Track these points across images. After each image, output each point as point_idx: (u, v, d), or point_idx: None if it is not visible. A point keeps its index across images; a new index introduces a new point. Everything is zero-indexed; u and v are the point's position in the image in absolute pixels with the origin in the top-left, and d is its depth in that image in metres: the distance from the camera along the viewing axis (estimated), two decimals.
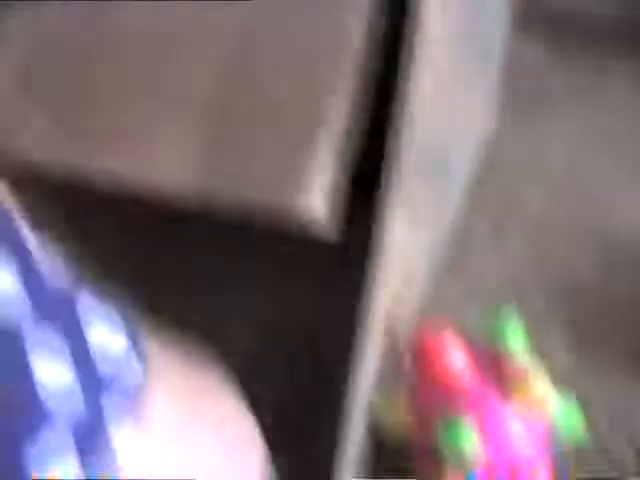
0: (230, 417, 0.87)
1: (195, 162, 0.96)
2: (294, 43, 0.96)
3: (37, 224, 0.61)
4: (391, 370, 1.15)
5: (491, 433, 1.04)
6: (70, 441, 0.56)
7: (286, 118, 0.95)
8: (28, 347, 0.54)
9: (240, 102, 0.97)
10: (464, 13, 1.29)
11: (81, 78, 1.07)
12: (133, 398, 0.60)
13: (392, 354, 1.15)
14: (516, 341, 1.12)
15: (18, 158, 1.05)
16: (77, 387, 0.57)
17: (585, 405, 1.11)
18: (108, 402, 0.58)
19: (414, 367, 1.13)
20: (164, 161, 0.97)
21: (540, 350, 1.15)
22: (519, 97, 1.70)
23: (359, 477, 1.07)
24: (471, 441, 1.01)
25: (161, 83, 1.00)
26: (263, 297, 1.23)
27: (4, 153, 1.06)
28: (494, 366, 1.07)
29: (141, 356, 0.63)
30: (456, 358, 1.08)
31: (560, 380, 1.11)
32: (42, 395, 0.54)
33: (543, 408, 1.08)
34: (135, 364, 0.62)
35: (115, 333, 0.62)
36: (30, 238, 0.62)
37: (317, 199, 0.93)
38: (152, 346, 0.67)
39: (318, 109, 0.94)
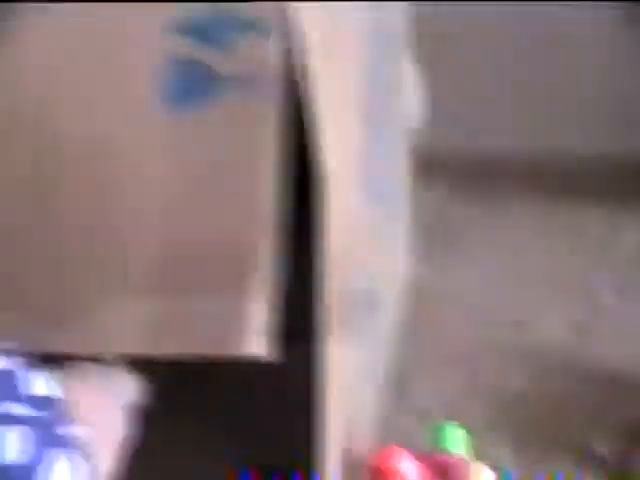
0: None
1: (141, 326, 0.95)
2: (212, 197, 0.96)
3: None
4: None
5: None
6: None
7: (217, 270, 0.96)
8: None
9: (174, 258, 0.96)
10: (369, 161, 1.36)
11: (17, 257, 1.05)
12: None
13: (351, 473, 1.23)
14: (457, 446, 1.23)
15: None
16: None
17: None
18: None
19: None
20: (111, 332, 0.98)
21: (479, 449, 1.25)
22: (429, 237, 1.86)
23: None
24: None
25: (97, 255, 0.98)
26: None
27: None
28: (442, 470, 1.16)
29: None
30: (405, 468, 1.16)
31: (497, 470, 1.22)
32: None
33: None
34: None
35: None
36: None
37: (257, 343, 0.93)
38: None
39: (244, 259, 0.94)
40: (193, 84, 0.96)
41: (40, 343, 0.98)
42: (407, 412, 1.50)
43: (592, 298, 1.77)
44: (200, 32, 0.96)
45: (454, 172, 2.14)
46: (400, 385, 1.55)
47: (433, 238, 1.90)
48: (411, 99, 1.87)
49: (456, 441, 1.27)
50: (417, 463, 1.20)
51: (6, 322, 0.98)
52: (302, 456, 1.11)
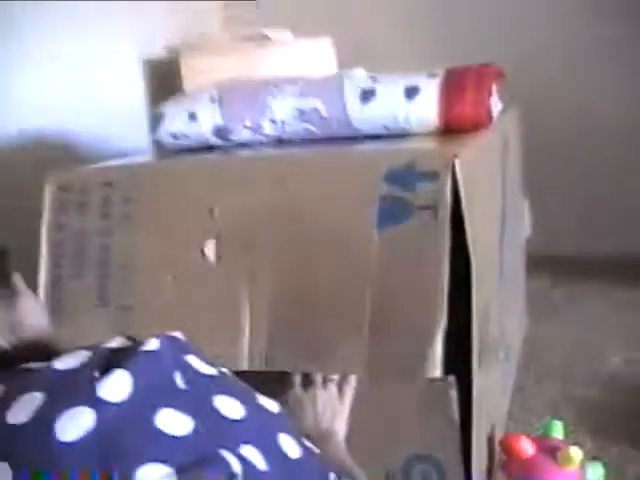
0: None
1: (365, 360, 1.21)
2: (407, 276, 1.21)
3: None
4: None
5: None
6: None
7: (411, 325, 1.20)
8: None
9: (384, 314, 1.22)
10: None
11: None
12: None
13: (492, 450, 1.46)
14: (562, 435, 1.50)
15: None
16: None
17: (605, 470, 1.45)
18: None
19: (504, 456, 1.45)
20: (346, 364, 1.25)
21: (575, 439, 1.53)
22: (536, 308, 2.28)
23: None
24: None
25: (339, 310, 1.25)
26: None
27: None
28: (551, 450, 1.42)
29: None
30: (528, 448, 1.42)
31: (588, 455, 1.47)
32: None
33: (581, 469, 1.42)
34: None
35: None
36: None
37: (437, 371, 1.18)
38: None
39: (430, 310, 1.18)
40: (395, 212, 1.23)
41: (302, 368, 1.27)
42: (524, 412, 1.82)
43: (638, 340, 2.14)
44: (398, 180, 1.24)
45: (553, 267, 2.64)
46: (519, 397, 1.87)
47: (539, 309, 2.36)
48: (524, 219, 2.25)
49: (558, 431, 1.50)
50: (533, 443, 1.42)
51: (284, 354, 1.27)
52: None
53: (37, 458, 0.60)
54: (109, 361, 0.66)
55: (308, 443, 0.78)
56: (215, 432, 0.66)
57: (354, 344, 1.23)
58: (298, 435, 0.76)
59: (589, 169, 2.78)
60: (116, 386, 0.63)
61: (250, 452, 0.66)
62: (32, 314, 0.82)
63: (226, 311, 1.30)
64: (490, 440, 1.46)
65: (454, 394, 1.22)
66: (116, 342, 0.70)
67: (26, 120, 1.95)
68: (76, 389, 0.63)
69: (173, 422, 0.64)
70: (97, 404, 0.62)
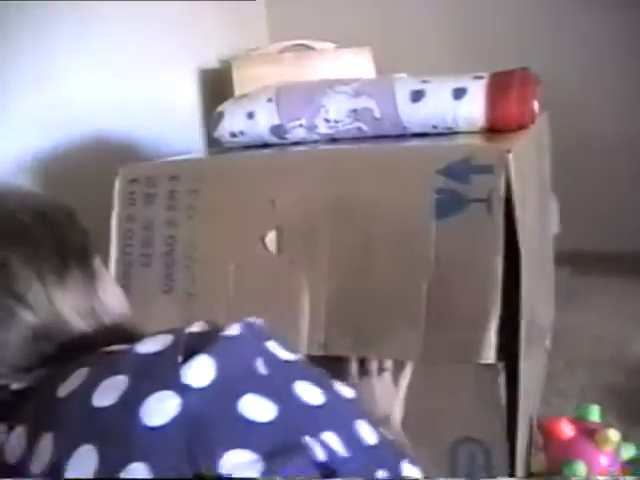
0: None
1: (421, 346, 1.15)
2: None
3: None
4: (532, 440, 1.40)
5: (594, 465, 1.35)
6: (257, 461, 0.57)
7: (468, 313, 1.14)
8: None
9: (442, 304, 1.16)
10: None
11: None
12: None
13: (531, 432, 1.40)
14: (598, 418, 1.46)
15: None
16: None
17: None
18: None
19: (544, 438, 1.41)
20: (402, 349, 1.18)
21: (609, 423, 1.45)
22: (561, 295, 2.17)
23: None
24: (583, 472, 1.32)
25: (394, 299, 1.19)
26: None
27: None
28: (589, 432, 1.39)
29: None
30: (568, 430, 1.39)
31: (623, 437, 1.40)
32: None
33: (616, 450, 1.39)
34: None
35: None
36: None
37: (491, 355, 1.12)
38: None
39: (486, 298, 1.13)
40: (451, 205, 1.16)
41: (359, 353, 1.20)
42: (555, 395, 1.76)
43: None
44: (454, 174, 1.17)
45: (576, 259, 2.57)
46: (551, 381, 1.80)
47: (565, 297, 2.27)
48: (553, 215, 2.20)
49: (595, 415, 1.45)
50: (572, 426, 1.38)
51: (341, 341, 1.21)
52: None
53: (122, 441, 0.56)
54: (192, 346, 0.61)
55: (382, 430, 0.72)
56: (298, 418, 0.62)
57: (410, 331, 1.16)
58: (373, 421, 0.70)
59: (611, 173, 2.74)
60: (200, 371, 0.59)
61: (331, 439, 0.62)
62: (114, 298, 0.75)
63: (286, 299, 1.24)
64: (530, 423, 1.40)
65: (503, 380, 1.17)
66: (197, 327, 0.65)
67: (91, 122, 1.95)
68: (160, 373, 0.59)
69: (257, 408, 0.59)
70: (182, 389, 0.57)
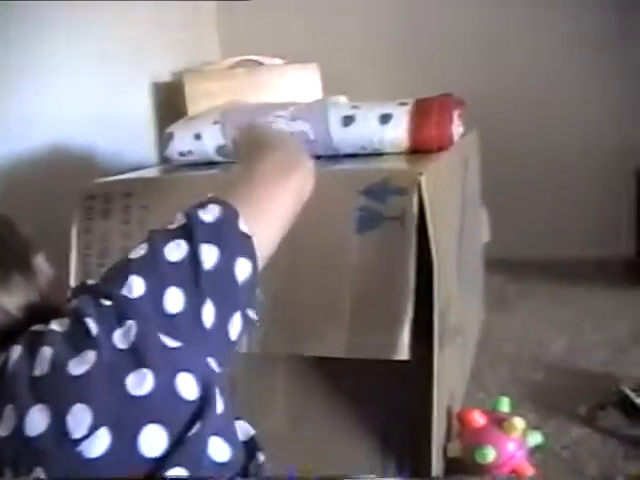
0: None
1: (347, 342, 1.30)
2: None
3: None
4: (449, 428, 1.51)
5: (501, 450, 1.48)
6: None
7: (385, 313, 1.28)
8: None
9: (363, 306, 1.32)
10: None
11: None
12: None
13: (449, 421, 1.53)
14: (508, 409, 1.60)
15: None
16: None
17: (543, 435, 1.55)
18: None
19: (459, 427, 1.54)
20: (329, 347, 1.32)
21: (518, 412, 1.60)
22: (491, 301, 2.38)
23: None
24: (491, 456, 1.45)
25: (324, 302, 1.35)
26: None
27: None
28: (499, 421, 1.52)
29: None
30: (479, 419, 1.52)
31: (530, 426, 1.58)
32: None
33: (523, 437, 1.52)
34: None
35: None
36: None
37: (405, 352, 1.26)
38: None
39: (400, 303, 1.27)
40: (370, 221, 1.33)
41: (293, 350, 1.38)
42: (478, 390, 1.90)
43: (577, 331, 2.27)
44: (373, 194, 1.34)
45: (507, 266, 2.78)
46: (475, 377, 1.96)
47: (494, 301, 2.48)
48: (482, 226, 2.37)
49: (505, 406, 1.60)
50: (484, 416, 1.51)
51: (277, 338, 1.35)
52: (420, 414, 1.39)
53: (60, 392, 0.68)
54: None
55: None
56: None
57: (337, 331, 1.33)
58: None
59: (538, 185, 2.98)
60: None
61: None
62: (52, 286, 0.87)
63: None
64: (449, 412, 1.55)
65: None
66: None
67: (48, 134, 2.05)
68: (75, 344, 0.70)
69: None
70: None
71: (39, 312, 0.77)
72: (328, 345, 1.34)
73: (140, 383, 0.66)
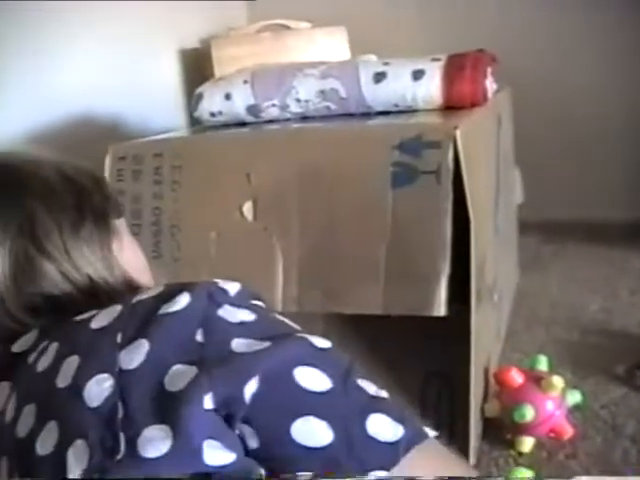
0: None
1: (380, 298, 1.30)
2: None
3: None
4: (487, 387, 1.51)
5: (540, 409, 1.46)
6: None
7: (421, 267, 1.29)
8: None
9: (398, 258, 1.31)
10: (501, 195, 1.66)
11: None
12: None
13: (487, 381, 1.52)
14: (546, 368, 1.57)
15: None
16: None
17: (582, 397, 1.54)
18: None
19: (497, 386, 1.53)
20: (364, 302, 1.33)
21: (555, 372, 1.57)
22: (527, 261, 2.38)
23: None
24: (530, 415, 1.43)
25: (359, 257, 1.35)
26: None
27: None
28: (537, 379, 1.50)
29: None
30: (517, 378, 1.50)
31: (569, 385, 1.56)
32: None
33: (562, 395, 1.49)
34: None
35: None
36: None
37: (442, 309, 1.26)
38: None
39: (436, 258, 1.27)
40: (405, 176, 1.32)
41: (328, 308, 1.37)
42: (514, 351, 1.89)
43: (612, 291, 2.26)
44: (407, 149, 1.32)
45: (541, 228, 2.78)
46: (511, 338, 1.95)
47: (529, 263, 2.48)
48: (516, 187, 2.35)
49: (543, 364, 1.57)
50: (521, 374, 1.49)
51: (311, 295, 1.37)
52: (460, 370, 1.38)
53: (72, 420, 0.62)
54: (133, 319, 0.65)
55: None
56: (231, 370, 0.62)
57: (372, 287, 1.32)
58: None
59: (572, 146, 2.92)
60: (134, 354, 0.62)
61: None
62: (129, 258, 0.84)
63: (262, 262, 1.40)
64: (486, 372, 1.54)
65: None
66: (152, 291, 0.67)
67: (78, 103, 2.07)
68: (101, 356, 0.63)
69: (180, 378, 0.60)
70: (116, 372, 0.62)
71: (107, 284, 0.76)
72: (364, 302, 1.33)
73: None
